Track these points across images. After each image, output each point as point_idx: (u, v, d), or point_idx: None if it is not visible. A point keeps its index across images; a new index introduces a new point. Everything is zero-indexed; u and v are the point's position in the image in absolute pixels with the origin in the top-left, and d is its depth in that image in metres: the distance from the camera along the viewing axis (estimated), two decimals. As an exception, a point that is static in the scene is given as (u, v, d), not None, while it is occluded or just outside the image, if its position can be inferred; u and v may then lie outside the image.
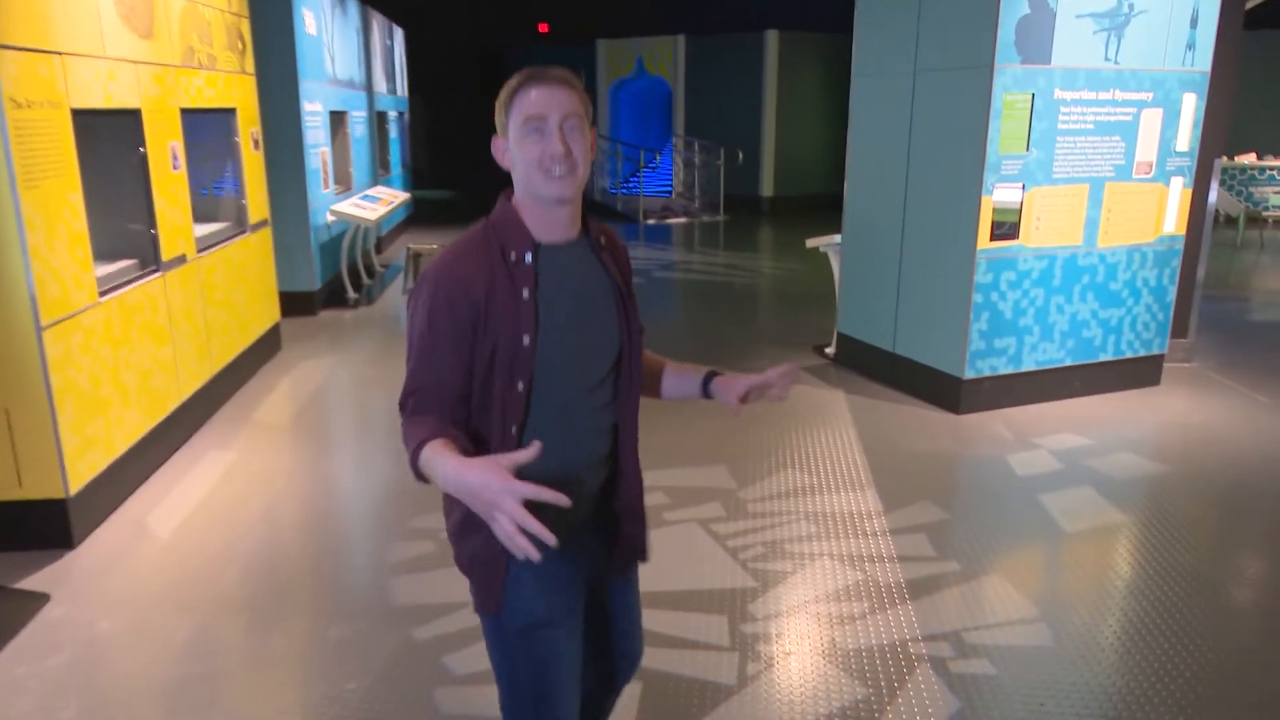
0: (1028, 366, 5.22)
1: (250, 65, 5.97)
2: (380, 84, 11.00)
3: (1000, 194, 4.88)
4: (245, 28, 5.90)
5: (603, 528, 1.81)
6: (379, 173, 10.70)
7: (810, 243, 6.46)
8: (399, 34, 12.66)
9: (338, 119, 8.86)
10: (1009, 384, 5.20)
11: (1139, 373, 5.59)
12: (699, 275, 9.93)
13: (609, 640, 1.91)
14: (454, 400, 1.60)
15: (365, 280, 8.98)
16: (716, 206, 14.94)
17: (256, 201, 6.00)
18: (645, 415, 1.83)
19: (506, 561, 1.63)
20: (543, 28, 22.54)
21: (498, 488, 1.37)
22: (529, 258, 1.60)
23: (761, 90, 15.20)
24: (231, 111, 5.62)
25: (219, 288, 5.24)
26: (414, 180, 18.47)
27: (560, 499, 1.39)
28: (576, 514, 1.65)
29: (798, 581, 3.36)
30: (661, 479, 4.19)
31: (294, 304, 7.36)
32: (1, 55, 3.16)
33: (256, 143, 6.04)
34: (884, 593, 3.27)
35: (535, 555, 1.37)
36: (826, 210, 15.51)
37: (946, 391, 5.19)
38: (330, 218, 7.91)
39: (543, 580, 1.65)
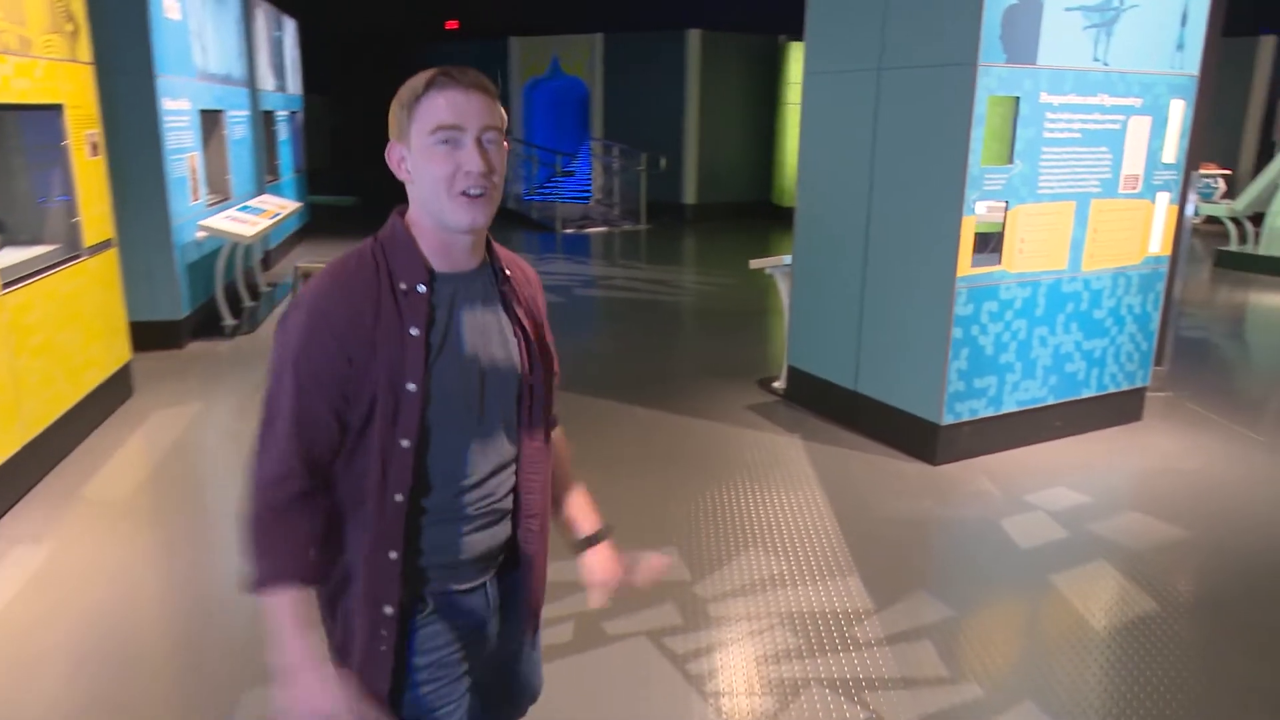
0: (1008, 408, 4.59)
1: (85, 53, 4.90)
2: (266, 80, 9.86)
3: (981, 212, 4.23)
4: (78, 6, 4.84)
5: (503, 588, 1.56)
6: (265, 179, 9.58)
7: (754, 264, 5.73)
8: (290, 25, 11.50)
9: (211, 119, 7.75)
10: (988, 428, 4.56)
11: (1121, 408, 5.04)
12: (622, 293, 9.12)
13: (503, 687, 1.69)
14: (327, 466, 1.38)
15: (247, 303, 7.88)
16: (638, 215, 14.17)
17: (95, 218, 4.94)
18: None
19: (404, 660, 1.44)
20: (451, 24, 21.48)
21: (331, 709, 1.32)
22: (421, 289, 1.38)
23: (684, 92, 14.52)
24: (56, 109, 4.56)
25: (37, 330, 4.20)
26: (314, 185, 17.26)
27: None
28: (481, 576, 1.51)
29: (784, 727, 2.59)
30: (598, 570, 3.38)
31: (154, 336, 6.27)
32: None
33: (95, 147, 4.97)
34: (896, 741, 2.53)
35: None
36: (752, 218, 15.02)
37: (921, 439, 4.52)
38: (200, 234, 6.83)
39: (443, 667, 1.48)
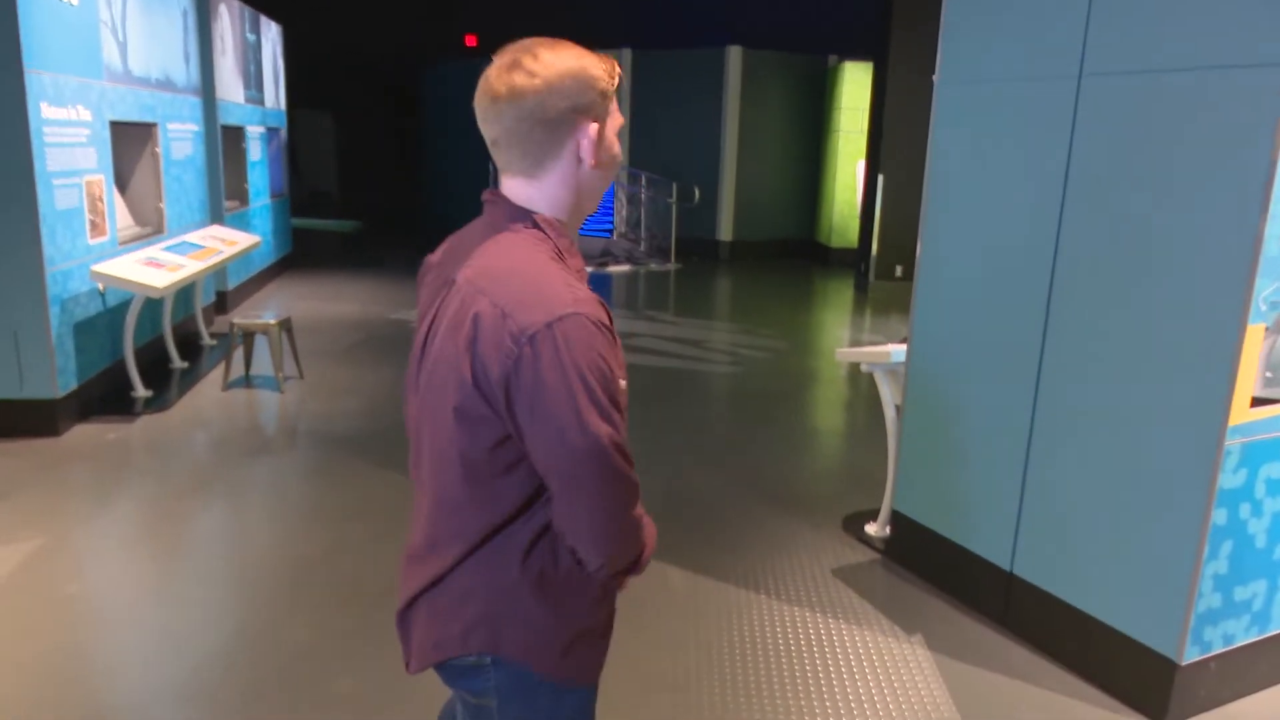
0: (1274, 628, 2.83)
1: None
2: (232, 89, 8.32)
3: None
4: None
5: None
6: (223, 207, 8.00)
7: (843, 355, 4.02)
8: (272, 29, 9.99)
9: (139, 133, 6.18)
10: (1243, 659, 2.80)
11: None
12: (646, 357, 7.40)
13: None
14: None
15: (177, 364, 6.26)
16: (666, 253, 12.53)
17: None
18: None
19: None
20: (470, 40, 20.13)
21: None
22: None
23: (721, 117, 12.90)
24: None
25: None
26: (316, 210, 15.92)
27: None
28: None
29: None
30: None
31: (18, 421, 4.67)
32: None
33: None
34: None
35: None
36: (795, 259, 13.30)
37: (1141, 678, 2.76)
38: (101, 285, 5.22)
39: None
